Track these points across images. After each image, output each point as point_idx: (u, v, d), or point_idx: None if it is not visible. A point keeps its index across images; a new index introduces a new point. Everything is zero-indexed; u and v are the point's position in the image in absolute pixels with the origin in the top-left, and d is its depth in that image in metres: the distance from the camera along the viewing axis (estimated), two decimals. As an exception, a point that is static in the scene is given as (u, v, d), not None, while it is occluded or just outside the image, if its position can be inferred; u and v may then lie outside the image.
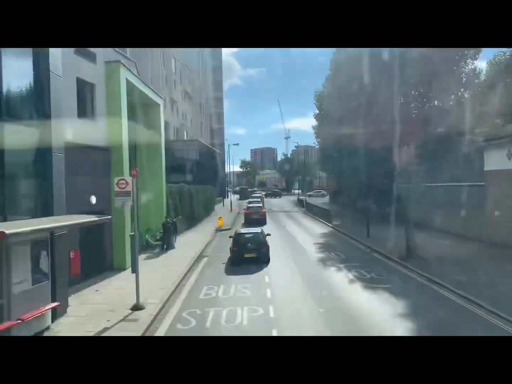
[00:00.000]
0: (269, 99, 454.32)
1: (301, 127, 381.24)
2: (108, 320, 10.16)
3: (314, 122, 44.28)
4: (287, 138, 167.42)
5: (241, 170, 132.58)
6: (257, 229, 19.46)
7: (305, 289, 13.53)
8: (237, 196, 73.33)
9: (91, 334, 9.18)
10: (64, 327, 9.84)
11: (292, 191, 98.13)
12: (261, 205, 36.74)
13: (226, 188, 73.63)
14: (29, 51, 10.00)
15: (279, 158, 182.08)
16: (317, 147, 48.19)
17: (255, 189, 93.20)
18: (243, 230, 19.52)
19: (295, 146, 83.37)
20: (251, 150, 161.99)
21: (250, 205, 35.19)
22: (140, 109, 20.38)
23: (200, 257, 19.41)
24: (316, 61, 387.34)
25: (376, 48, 17.05)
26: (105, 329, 9.62)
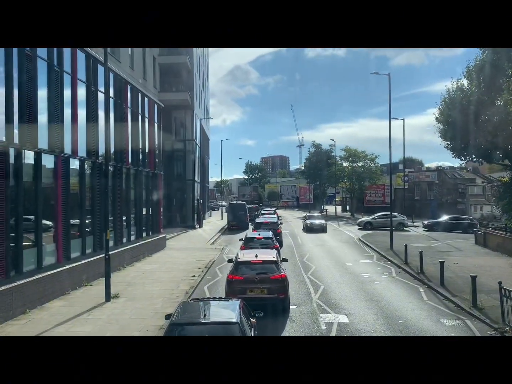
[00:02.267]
0: (280, 110, 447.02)
1: (310, 139, 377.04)
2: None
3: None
4: (300, 146, 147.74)
5: (245, 177, 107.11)
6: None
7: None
8: (219, 223, 41.25)
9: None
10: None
11: (324, 208, 60.02)
12: (273, 252, 12.95)
13: (197, 208, 37.57)
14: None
15: (291, 168, 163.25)
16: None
17: (256, 205, 56.58)
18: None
19: (333, 139, 54.28)
20: (261, 158, 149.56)
21: (244, 254, 13.18)
22: None
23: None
24: (330, 73, 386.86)
25: None
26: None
